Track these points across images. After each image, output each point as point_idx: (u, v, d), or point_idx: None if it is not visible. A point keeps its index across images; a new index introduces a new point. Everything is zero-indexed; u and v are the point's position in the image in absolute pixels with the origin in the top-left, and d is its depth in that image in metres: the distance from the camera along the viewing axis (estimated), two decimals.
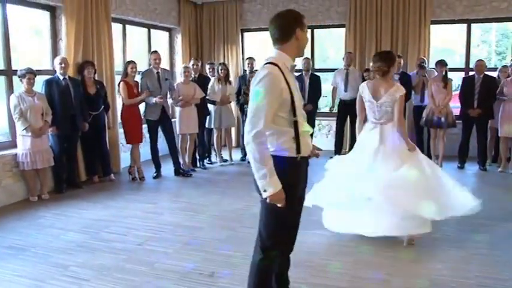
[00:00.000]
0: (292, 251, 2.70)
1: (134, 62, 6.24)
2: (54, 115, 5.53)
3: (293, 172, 2.37)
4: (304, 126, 2.41)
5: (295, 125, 2.35)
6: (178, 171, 6.61)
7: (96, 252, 3.84)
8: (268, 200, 2.27)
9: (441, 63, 6.89)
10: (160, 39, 8.76)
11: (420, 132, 7.44)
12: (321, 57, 9.44)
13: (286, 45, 2.38)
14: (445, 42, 9.35)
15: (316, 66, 8.88)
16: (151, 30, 8.29)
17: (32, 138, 5.24)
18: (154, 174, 6.55)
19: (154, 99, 6.19)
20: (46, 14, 5.97)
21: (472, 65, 7.85)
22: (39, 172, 5.45)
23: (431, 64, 8.28)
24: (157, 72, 6.35)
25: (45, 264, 3.57)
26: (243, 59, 9.18)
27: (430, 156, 7.09)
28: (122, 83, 6.16)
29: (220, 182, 6.32)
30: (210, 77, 7.40)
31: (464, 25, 7.99)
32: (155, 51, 6.41)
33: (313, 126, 8.09)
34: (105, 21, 6.49)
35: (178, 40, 8.82)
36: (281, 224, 2.41)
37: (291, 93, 2.32)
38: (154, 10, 7.98)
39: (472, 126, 6.99)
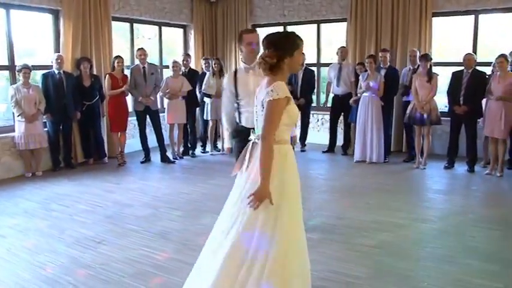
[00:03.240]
0: None
1: (121, 57, 6.99)
2: (48, 104, 6.45)
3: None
4: None
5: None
6: (164, 158, 7.24)
7: (34, 218, 4.61)
8: None
9: (425, 58, 6.65)
10: (175, 35, 9.47)
11: (410, 129, 7.23)
12: (329, 52, 9.40)
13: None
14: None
15: (322, 61, 8.94)
16: (164, 27, 8.99)
17: (26, 123, 6.19)
18: (143, 160, 7.25)
19: (140, 98, 6.89)
20: (49, 17, 6.89)
21: (479, 60, 7.45)
22: (34, 152, 6.40)
23: (435, 58, 7.99)
24: (143, 67, 7.01)
25: None
26: None
27: (415, 155, 6.97)
28: (107, 75, 6.93)
29: (193, 169, 6.86)
30: (204, 71, 7.88)
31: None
32: (141, 48, 7.08)
33: (307, 119, 8.25)
34: (105, 21, 7.29)
35: (192, 36, 9.44)
36: None
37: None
38: (163, 9, 8.66)
39: (461, 124, 6.62)
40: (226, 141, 3.70)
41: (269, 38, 2.44)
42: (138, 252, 3.68)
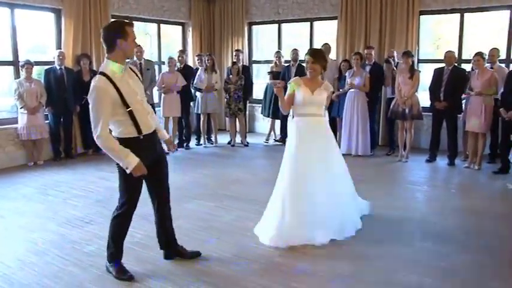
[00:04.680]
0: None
1: None
2: (50, 97, 6.87)
3: (136, 147, 2.99)
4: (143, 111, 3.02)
5: (131, 113, 2.95)
6: None
7: (31, 202, 5.04)
8: (134, 174, 2.94)
9: (407, 54, 6.91)
10: (174, 32, 9.85)
11: (392, 124, 7.52)
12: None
13: (112, 54, 2.96)
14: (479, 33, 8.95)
15: None
16: (163, 25, 9.37)
17: (28, 115, 6.62)
18: None
19: None
20: (51, 15, 7.31)
21: (465, 57, 7.71)
22: (36, 143, 6.84)
23: (421, 56, 8.28)
24: (140, 63, 7.40)
25: None
26: (249, 50, 9.90)
27: (396, 147, 7.27)
28: None
29: (184, 160, 7.24)
30: (198, 67, 8.23)
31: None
32: (138, 45, 7.43)
33: None
34: (105, 19, 7.67)
35: (190, 33, 9.80)
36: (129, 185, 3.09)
37: (119, 92, 2.90)
38: (162, 7, 9.03)
39: (442, 119, 6.89)
40: None
41: None
42: None
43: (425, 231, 4.15)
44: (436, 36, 9.41)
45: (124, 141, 2.98)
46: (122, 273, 3.18)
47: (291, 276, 3.24)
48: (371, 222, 4.34)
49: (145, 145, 3.07)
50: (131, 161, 2.93)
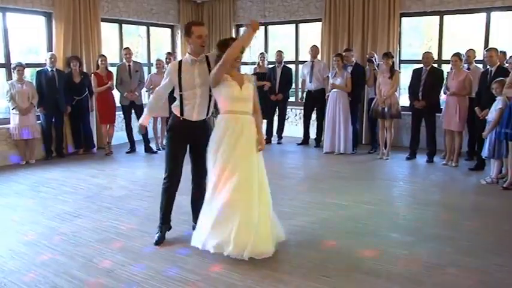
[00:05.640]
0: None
1: (104, 56, 7.66)
2: (42, 98, 7.09)
3: (177, 124, 3.65)
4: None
5: (181, 97, 3.57)
6: (147, 149, 7.87)
7: (23, 197, 5.27)
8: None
9: (387, 55, 7.18)
10: (163, 35, 10.08)
11: (374, 123, 7.79)
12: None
13: (188, 48, 3.67)
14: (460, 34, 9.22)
15: (301, 59, 9.50)
16: (152, 27, 9.60)
17: (20, 115, 6.84)
18: (128, 150, 7.89)
19: (125, 94, 7.54)
20: (42, 19, 7.53)
21: (445, 58, 7.98)
22: (28, 142, 7.05)
23: (403, 56, 8.57)
24: (129, 65, 7.64)
25: None
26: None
27: (378, 146, 7.55)
28: (92, 74, 7.59)
29: None
30: None
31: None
32: (127, 48, 7.75)
33: (284, 113, 8.85)
34: (95, 22, 7.92)
35: (179, 36, 10.04)
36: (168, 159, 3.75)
37: (179, 78, 3.55)
38: (151, 10, 9.27)
39: (421, 118, 7.15)
40: (142, 118, 3.90)
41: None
42: (107, 224, 4.32)
43: (393, 224, 4.41)
44: (428, 37, 9.66)
45: (172, 113, 3.69)
46: (156, 235, 3.81)
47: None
48: (339, 214, 4.60)
49: (184, 125, 3.63)
50: (142, 117, 3.83)
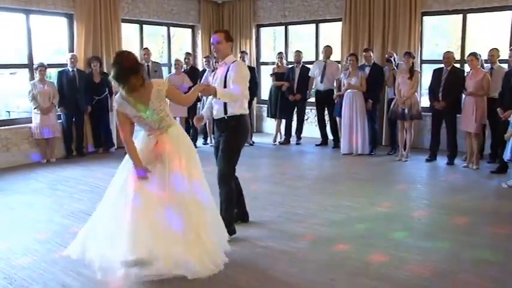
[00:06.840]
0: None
1: None
2: (63, 98, 7.26)
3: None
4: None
5: None
6: None
7: (40, 195, 5.40)
8: None
9: (409, 54, 7.03)
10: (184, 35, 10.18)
11: (394, 124, 7.62)
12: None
13: None
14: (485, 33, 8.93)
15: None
16: (173, 28, 9.69)
17: (41, 115, 7.01)
18: None
19: None
20: (64, 20, 7.71)
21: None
22: (49, 141, 7.22)
23: (429, 56, 8.36)
24: (148, 65, 7.73)
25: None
26: (257, 51, 10.15)
27: (398, 147, 7.39)
28: None
29: None
30: (205, 68, 8.51)
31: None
32: (145, 48, 7.84)
33: (302, 114, 8.78)
34: (115, 23, 8.04)
35: (200, 36, 10.10)
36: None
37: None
38: (171, 11, 9.36)
39: (441, 119, 6.97)
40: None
41: None
42: None
43: (408, 228, 4.30)
44: (457, 37, 9.35)
45: (239, 112, 4.02)
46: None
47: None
48: (351, 216, 4.52)
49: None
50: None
